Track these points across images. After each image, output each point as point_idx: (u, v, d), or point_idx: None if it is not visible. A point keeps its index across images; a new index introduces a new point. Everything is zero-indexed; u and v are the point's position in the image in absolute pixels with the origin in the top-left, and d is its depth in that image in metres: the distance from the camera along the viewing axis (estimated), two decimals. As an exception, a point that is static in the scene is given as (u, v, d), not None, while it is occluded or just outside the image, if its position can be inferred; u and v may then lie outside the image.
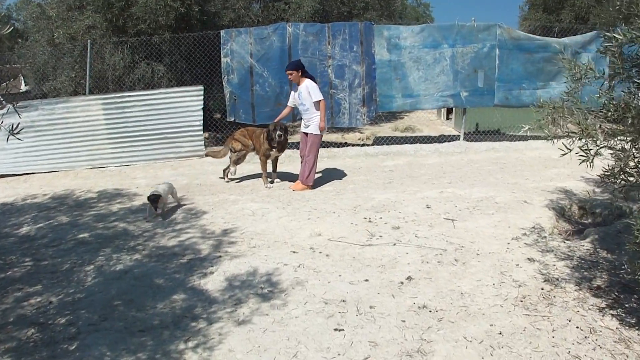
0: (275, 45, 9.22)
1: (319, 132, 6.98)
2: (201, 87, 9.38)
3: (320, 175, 7.70)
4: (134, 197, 7.20)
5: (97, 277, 4.30)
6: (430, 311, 3.59)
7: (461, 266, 4.29)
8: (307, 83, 6.83)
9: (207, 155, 7.99)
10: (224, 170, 7.90)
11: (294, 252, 4.69)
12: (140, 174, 8.74)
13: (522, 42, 9.64)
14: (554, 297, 3.75)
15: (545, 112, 3.19)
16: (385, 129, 13.35)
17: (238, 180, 7.88)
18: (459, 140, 9.90)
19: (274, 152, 7.39)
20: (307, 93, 6.82)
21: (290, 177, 7.94)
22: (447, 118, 13.74)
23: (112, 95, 9.32)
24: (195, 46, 10.05)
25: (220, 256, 4.63)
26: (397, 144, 10.08)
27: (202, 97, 9.37)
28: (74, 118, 9.24)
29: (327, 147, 9.84)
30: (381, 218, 5.59)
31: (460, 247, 4.71)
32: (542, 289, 3.87)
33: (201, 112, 9.40)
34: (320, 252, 4.65)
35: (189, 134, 9.40)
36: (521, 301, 3.73)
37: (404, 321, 3.46)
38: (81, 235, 5.51)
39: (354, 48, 9.26)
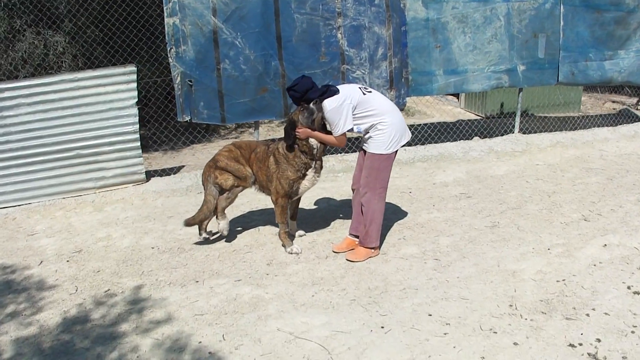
0: (253, -4, 5.72)
1: (384, 151, 3.78)
2: (133, 68, 5.67)
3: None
4: (37, 292, 3.64)
5: None
6: None
7: None
8: (325, 105, 3.67)
9: (188, 225, 4.36)
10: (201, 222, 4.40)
11: None
12: (42, 224, 5.01)
13: (591, -4, 6.97)
14: None
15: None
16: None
17: (219, 236, 4.44)
18: (512, 133, 7.13)
19: (309, 179, 4.00)
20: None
21: (306, 222, 4.66)
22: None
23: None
24: (114, 2, 6.25)
25: None
26: (424, 140, 7.09)
27: (134, 84, 5.69)
28: None
29: (339, 153, 6.58)
30: (599, 341, 2.70)
31: None
32: None
33: (135, 110, 5.73)
34: None
35: (118, 147, 5.70)
36: None
37: None
38: None
39: (376, 0, 6.02)
